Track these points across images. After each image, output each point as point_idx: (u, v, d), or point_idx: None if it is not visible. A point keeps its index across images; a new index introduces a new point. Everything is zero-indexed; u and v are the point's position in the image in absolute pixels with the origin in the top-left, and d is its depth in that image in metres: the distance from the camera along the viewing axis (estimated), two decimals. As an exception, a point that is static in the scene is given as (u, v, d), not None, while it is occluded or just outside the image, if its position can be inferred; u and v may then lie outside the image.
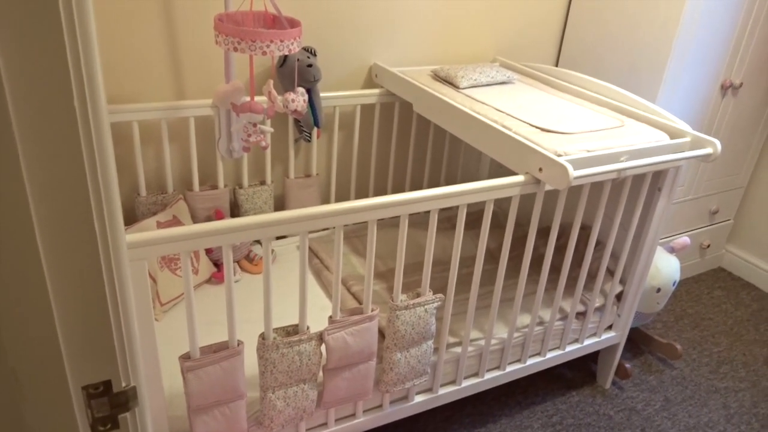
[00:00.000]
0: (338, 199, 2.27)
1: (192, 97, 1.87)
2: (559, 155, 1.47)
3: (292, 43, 1.49)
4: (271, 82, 1.59)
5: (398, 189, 2.38)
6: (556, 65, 2.54)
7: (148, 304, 1.13)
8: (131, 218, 1.88)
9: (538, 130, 1.63)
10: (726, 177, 2.67)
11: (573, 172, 1.38)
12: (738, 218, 2.88)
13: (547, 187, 1.48)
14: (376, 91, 2.10)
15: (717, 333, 2.50)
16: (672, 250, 2.11)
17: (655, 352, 2.35)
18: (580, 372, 2.21)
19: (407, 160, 2.31)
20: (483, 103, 1.82)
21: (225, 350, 1.26)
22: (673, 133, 1.71)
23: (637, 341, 2.38)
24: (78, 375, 0.50)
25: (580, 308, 1.89)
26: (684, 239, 2.10)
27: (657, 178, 1.77)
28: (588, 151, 1.53)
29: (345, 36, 2.05)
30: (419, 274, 1.95)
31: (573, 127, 1.66)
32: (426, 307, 1.48)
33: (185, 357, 1.23)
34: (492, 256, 2.13)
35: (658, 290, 2.06)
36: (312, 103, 1.96)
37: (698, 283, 2.84)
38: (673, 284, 2.08)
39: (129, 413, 0.54)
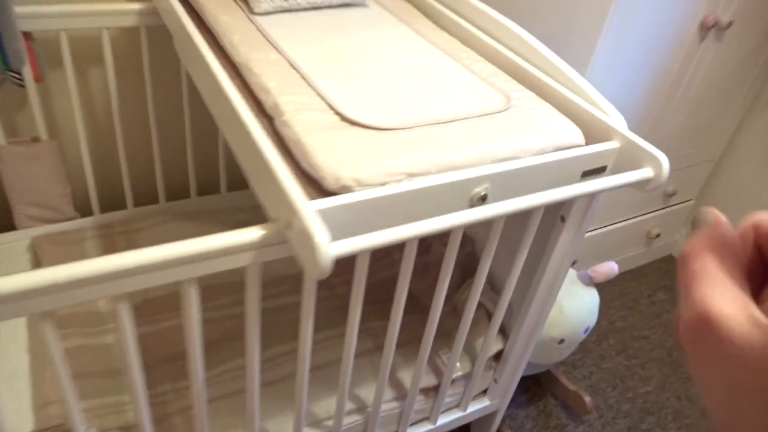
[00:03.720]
0: (98, 175, 1.49)
1: None
2: (332, 193, 0.73)
3: None
4: None
5: (175, 150, 1.61)
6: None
7: None
8: None
9: (339, 119, 0.86)
10: (692, 149, 1.94)
11: (328, 253, 0.64)
12: (701, 199, 2.18)
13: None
14: (135, 6, 1.27)
15: (649, 361, 1.89)
16: (590, 281, 1.42)
17: (559, 397, 1.73)
18: None
19: (182, 109, 1.51)
20: (276, 48, 1.02)
21: None
22: (592, 129, 0.96)
23: (538, 377, 1.76)
24: None
25: (429, 382, 1.23)
26: (609, 266, 1.41)
27: (559, 205, 1.04)
28: (408, 174, 0.78)
29: None
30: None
31: (406, 114, 0.89)
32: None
33: None
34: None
35: (561, 341, 1.39)
36: (-4, 26, 1.14)
37: (638, 279, 2.19)
38: (585, 331, 1.42)
39: None
